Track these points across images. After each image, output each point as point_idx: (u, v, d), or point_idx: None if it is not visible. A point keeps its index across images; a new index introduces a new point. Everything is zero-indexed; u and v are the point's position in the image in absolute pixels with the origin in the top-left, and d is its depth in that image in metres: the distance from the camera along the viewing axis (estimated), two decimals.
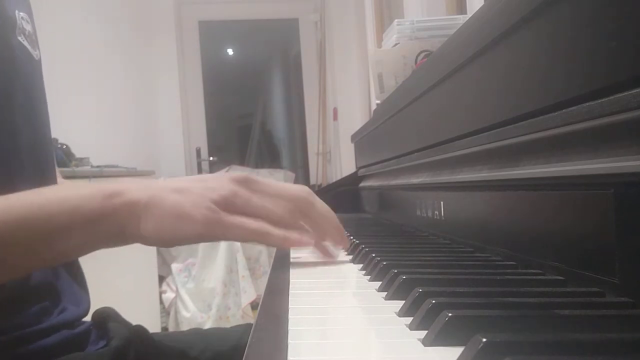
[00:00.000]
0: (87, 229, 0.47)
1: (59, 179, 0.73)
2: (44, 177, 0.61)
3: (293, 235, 0.51)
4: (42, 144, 0.62)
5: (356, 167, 1.40)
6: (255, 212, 0.51)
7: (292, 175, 3.70)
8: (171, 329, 2.60)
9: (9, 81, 0.56)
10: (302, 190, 0.55)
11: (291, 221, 0.52)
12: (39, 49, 0.64)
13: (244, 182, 0.52)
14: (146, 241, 0.49)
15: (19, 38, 0.58)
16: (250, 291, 2.72)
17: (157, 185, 0.50)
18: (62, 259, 0.52)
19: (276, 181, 0.55)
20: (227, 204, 0.49)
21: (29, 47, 0.59)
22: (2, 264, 0.46)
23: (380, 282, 0.44)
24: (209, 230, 0.48)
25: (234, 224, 0.49)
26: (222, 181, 0.52)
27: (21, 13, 0.59)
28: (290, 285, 0.45)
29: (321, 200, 0.56)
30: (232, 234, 0.49)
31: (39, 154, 0.61)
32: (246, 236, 0.49)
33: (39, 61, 0.63)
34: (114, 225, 0.48)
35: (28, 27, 0.60)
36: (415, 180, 0.78)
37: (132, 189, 0.48)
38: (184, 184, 0.50)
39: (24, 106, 0.58)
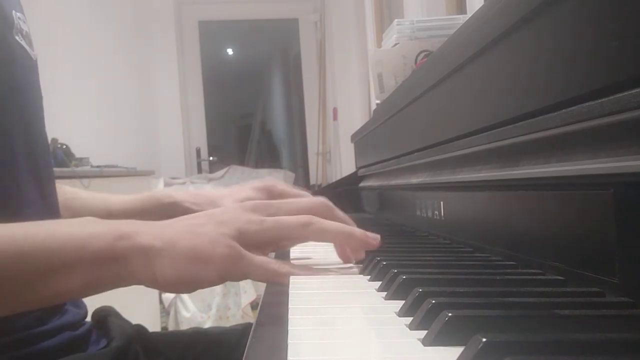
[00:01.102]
0: (92, 270, 0.44)
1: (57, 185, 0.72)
2: (40, 179, 0.61)
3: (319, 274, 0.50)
4: (38, 145, 0.61)
5: (356, 167, 1.40)
6: (270, 237, 0.49)
7: (292, 175, 3.70)
8: (171, 329, 2.60)
9: (6, 81, 0.55)
10: (318, 199, 0.54)
11: (308, 235, 0.51)
12: (34, 49, 0.63)
13: (257, 209, 0.51)
14: (165, 287, 0.46)
15: (17, 38, 0.57)
16: (250, 291, 2.72)
17: (170, 227, 0.47)
18: (64, 299, 0.48)
19: (295, 199, 0.54)
20: (242, 235, 0.47)
21: (27, 47, 0.59)
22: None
23: (380, 282, 0.44)
24: (227, 271, 0.46)
25: (253, 263, 0.46)
26: (235, 212, 0.50)
27: (18, 13, 0.59)
28: (290, 285, 0.45)
29: (340, 211, 0.55)
30: (253, 274, 0.47)
31: (35, 155, 0.60)
32: (267, 277, 0.47)
33: (36, 61, 0.63)
34: (121, 269, 0.45)
35: (25, 27, 0.60)
36: (415, 180, 0.78)
37: (143, 232, 0.46)
38: (197, 222, 0.48)
39: (21, 107, 0.58)
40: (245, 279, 0.47)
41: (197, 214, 0.51)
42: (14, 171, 0.55)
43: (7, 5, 0.57)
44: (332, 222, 0.52)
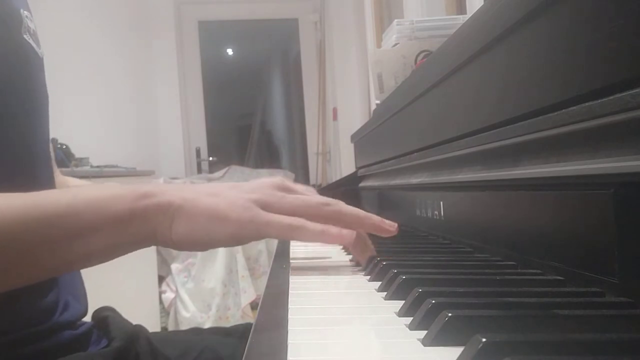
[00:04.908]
0: (116, 230, 0.45)
1: (59, 177, 0.72)
2: (42, 177, 0.61)
3: (332, 228, 0.50)
4: (41, 143, 0.61)
5: (356, 167, 1.40)
6: (289, 209, 0.50)
7: (291, 175, 3.69)
8: (171, 329, 2.60)
9: (14, 78, 0.56)
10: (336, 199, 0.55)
11: (327, 214, 0.51)
12: (41, 47, 0.64)
13: (281, 186, 0.52)
14: (178, 245, 0.47)
15: (25, 36, 0.58)
16: (250, 291, 2.72)
17: (192, 188, 0.49)
18: (88, 262, 0.50)
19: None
20: (262, 204, 0.49)
21: (34, 45, 0.60)
22: (22, 266, 0.44)
23: (380, 282, 0.44)
24: (242, 230, 0.47)
25: (266, 220, 0.47)
26: (259, 185, 0.51)
27: (25, 12, 0.59)
28: (290, 285, 0.45)
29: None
30: (266, 231, 0.47)
31: (39, 152, 0.60)
32: (281, 232, 0.48)
33: (43, 59, 0.63)
34: (144, 227, 0.46)
35: (32, 26, 0.60)
36: (414, 180, 0.78)
37: (165, 191, 0.47)
38: (219, 188, 0.50)
39: (27, 103, 0.58)
40: (260, 238, 0.48)
41: (223, 183, 0.53)
42: (15, 169, 0.55)
43: (16, 4, 0.57)
44: (350, 207, 0.53)
